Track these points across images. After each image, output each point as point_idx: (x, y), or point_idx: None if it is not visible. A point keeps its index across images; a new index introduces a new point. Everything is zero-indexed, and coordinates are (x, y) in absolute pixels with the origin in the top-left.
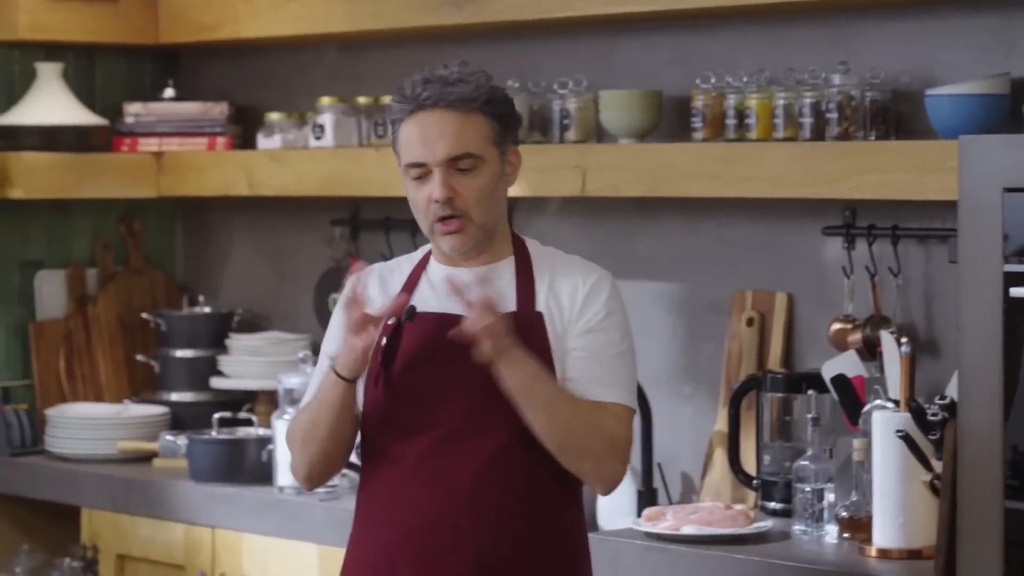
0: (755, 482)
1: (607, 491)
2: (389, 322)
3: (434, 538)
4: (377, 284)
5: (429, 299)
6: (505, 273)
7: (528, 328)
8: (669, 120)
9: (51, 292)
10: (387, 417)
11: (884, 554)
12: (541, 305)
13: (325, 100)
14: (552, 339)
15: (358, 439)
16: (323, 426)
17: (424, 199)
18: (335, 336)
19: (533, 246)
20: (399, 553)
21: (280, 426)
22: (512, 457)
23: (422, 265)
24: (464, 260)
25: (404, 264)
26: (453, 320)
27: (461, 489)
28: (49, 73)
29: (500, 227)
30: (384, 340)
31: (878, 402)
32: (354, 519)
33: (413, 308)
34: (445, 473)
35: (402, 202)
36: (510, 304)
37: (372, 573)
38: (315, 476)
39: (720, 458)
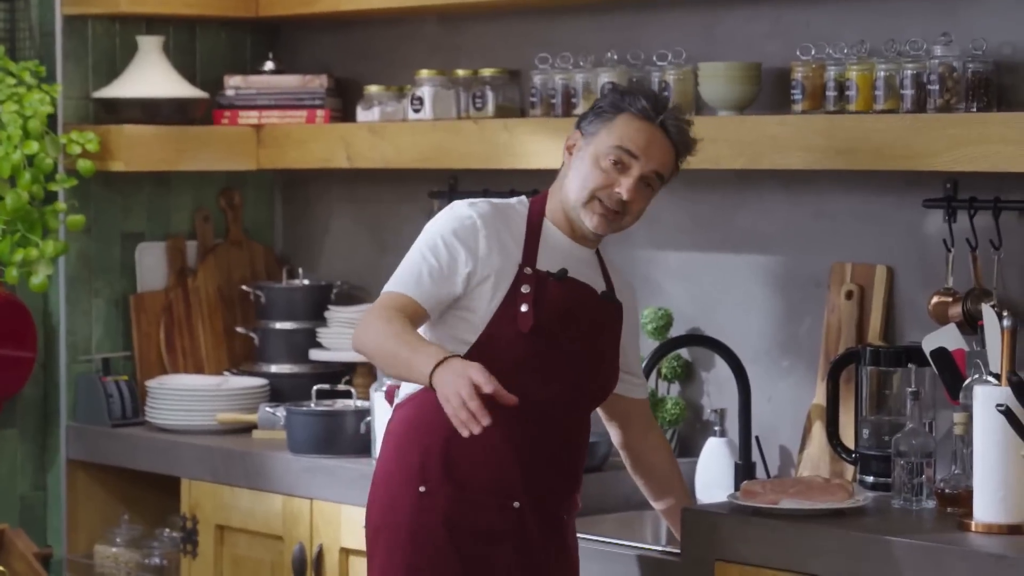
0: (854, 456)
1: None
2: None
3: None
4: (492, 227)
5: (549, 260)
6: (595, 259)
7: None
8: (769, 92)
9: (151, 264)
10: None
11: (984, 529)
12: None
13: (424, 73)
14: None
15: None
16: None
17: (606, 182)
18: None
19: None
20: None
21: (378, 399)
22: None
23: (536, 223)
24: (583, 239)
25: (511, 211)
26: (590, 291)
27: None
28: (150, 46)
29: None
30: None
31: (978, 376)
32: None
33: (565, 270)
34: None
35: (500, 174)
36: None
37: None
38: None
39: (819, 432)
